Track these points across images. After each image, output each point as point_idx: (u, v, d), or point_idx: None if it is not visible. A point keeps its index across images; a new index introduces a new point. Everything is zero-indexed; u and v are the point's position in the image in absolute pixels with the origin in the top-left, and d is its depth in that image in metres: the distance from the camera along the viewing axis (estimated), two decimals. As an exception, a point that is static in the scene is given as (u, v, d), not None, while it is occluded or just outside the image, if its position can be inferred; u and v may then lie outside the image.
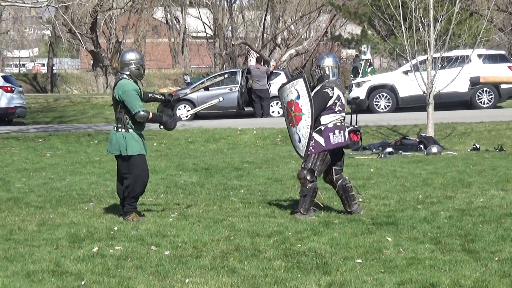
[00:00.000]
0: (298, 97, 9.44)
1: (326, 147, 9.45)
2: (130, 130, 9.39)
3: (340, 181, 9.67)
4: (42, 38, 78.23)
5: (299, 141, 9.52)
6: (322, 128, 9.46)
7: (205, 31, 56.74)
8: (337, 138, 9.48)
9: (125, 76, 9.49)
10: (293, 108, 9.49)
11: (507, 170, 13.28)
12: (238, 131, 21.46)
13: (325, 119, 9.47)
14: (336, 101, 9.48)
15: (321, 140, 9.45)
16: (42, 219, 9.51)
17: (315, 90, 9.56)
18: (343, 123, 9.63)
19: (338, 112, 9.51)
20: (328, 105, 9.45)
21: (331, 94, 9.44)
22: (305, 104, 9.40)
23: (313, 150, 9.46)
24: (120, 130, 9.41)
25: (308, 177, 9.44)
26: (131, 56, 9.59)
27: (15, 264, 7.30)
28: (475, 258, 7.31)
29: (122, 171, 9.60)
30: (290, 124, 9.62)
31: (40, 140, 20.65)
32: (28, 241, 8.29)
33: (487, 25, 21.97)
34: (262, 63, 28.33)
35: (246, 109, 27.09)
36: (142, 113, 9.30)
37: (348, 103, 23.14)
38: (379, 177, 12.83)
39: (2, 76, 27.96)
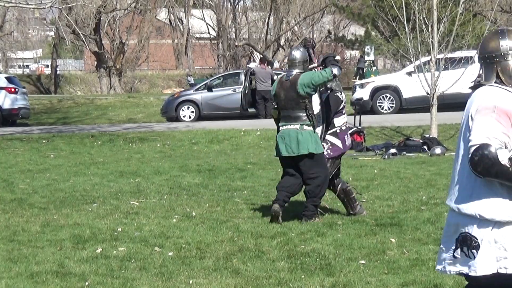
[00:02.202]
0: None
1: (344, 149, 9.51)
2: (312, 128, 9.14)
3: (340, 185, 9.67)
4: (46, 39, 78.27)
5: None
6: (338, 130, 9.48)
7: (208, 32, 56.75)
8: (348, 140, 9.57)
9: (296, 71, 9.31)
10: None
11: (511, 171, 13.24)
12: (241, 132, 21.45)
13: (338, 121, 9.51)
14: (344, 104, 9.62)
15: (338, 143, 9.46)
16: (46, 220, 9.52)
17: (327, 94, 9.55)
18: (347, 126, 9.72)
19: (345, 114, 9.63)
20: (339, 108, 9.51)
21: (341, 98, 9.51)
22: None
23: (332, 154, 9.44)
24: (305, 128, 9.10)
25: None
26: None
27: (18, 265, 7.30)
28: (479, 259, 7.28)
29: (307, 171, 9.15)
30: None
31: (44, 141, 20.67)
32: (32, 242, 8.30)
33: (490, 26, 21.92)
34: (266, 64, 28.29)
35: (249, 110, 27.04)
36: (335, 71, 9.04)
37: (352, 104, 23.15)
38: (382, 178, 12.81)
39: (6, 77, 28.03)
